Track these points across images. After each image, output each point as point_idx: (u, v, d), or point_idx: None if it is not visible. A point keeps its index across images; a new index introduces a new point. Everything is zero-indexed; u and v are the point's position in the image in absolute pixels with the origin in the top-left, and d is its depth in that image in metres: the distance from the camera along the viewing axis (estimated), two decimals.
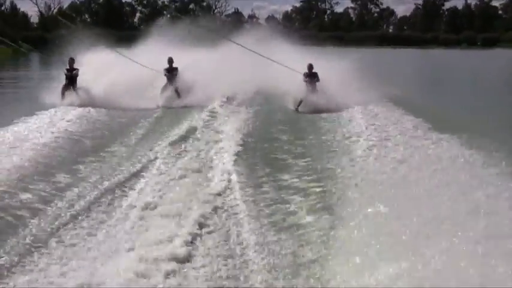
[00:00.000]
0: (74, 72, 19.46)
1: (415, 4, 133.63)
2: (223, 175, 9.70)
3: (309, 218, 7.67)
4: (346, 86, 18.77)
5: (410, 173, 9.16)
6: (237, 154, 11.17)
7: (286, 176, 9.87)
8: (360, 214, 7.07)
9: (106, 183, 9.27)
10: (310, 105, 17.78)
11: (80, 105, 17.73)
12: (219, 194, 8.70)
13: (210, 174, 9.88)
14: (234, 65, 20.96)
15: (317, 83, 18.49)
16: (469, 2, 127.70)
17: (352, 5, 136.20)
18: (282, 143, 12.90)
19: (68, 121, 14.79)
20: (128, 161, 10.92)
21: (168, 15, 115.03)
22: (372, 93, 19.21)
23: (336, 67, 20.28)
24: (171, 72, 20.02)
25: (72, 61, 19.72)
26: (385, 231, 6.22)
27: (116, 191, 8.97)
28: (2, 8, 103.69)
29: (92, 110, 17.03)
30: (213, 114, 16.23)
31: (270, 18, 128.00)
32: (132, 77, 19.48)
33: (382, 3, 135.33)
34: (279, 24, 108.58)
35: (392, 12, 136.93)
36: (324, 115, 16.75)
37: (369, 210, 7.07)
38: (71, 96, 18.68)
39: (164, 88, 19.77)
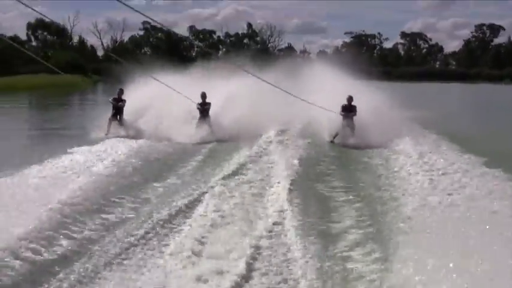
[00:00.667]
0: (120, 103, 19.17)
1: (464, 40, 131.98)
2: (277, 209, 9.52)
3: (359, 252, 7.61)
4: (386, 118, 18.42)
5: (459, 208, 8.99)
6: (290, 188, 10.89)
7: (338, 211, 9.78)
8: (412, 252, 6.84)
9: (160, 215, 9.15)
10: (345, 139, 17.47)
11: (126, 137, 17.51)
12: (271, 229, 8.51)
13: (263, 208, 9.75)
14: (270, 97, 20.91)
15: (354, 117, 17.93)
16: None
17: (402, 41, 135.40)
18: (330, 177, 12.72)
19: (117, 153, 14.22)
20: (182, 192, 10.82)
21: (224, 49, 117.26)
22: (413, 126, 18.99)
23: (377, 100, 20.01)
24: (204, 107, 19.25)
25: (121, 92, 19.48)
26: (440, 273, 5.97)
27: (172, 221, 8.92)
28: (70, 42, 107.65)
29: (139, 142, 16.62)
30: (264, 148, 15.98)
31: (321, 53, 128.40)
32: (175, 110, 19.15)
33: (431, 39, 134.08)
34: (329, 59, 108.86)
35: (440, 49, 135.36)
36: (363, 150, 16.41)
37: (422, 248, 6.78)
38: (116, 128, 18.54)
39: (198, 124, 19.00)
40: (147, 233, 8.26)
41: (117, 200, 10.04)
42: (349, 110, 18.08)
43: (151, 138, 17.51)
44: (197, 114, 19.30)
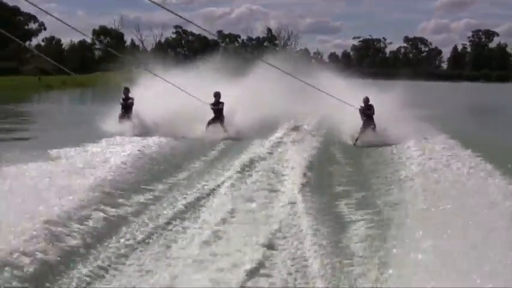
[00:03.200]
0: (129, 101, 17.61)
1: (462, 44, 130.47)
2: (289, 200, 8.98)
3: (365, 243, 7.09)
4: (398, 116, 17.22)
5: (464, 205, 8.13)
6: (302, 182, 10.25)
7: (347, 202, 9.21)
8: (410, 239, 6.45)
9: (174, 208, 8.48)
10: (367, 140, 15.95)
11: (135, 133, 15.89)
12: (284, 219, 7.99)
13: (276, 199, 9.19)
14: (284, 95, 19.65)
15: (374, 116, 16.42)
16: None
17: (405, 45, 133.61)
18: (342, 173, 11.83)
19: (125, 152, 12.55)
20: (192, 188, 9.95)
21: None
22: (422, 123, 18.09)
23: (386, 98, 18.86)
24: (217, 106, 17.26)
25: (127, 91, 17.81)
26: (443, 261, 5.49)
27: (185, 214, 8.30)
28: (125, 45, 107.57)
29: (149, 139, 14.82)
30: (277, 143, 14.92)
31: (332, 56, 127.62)
32: (183, 106, 17.04)
33: (431, 44, 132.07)
34: (339, 61, 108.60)
35: (440, 52, 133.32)
36: (380, 148, 15.05)
37: (424, 239, 6.24)
38: (126, 123, 16.71)
39: (211, 122, 17.02)
40: (154, 230, 7.47)
41: (128, 195, 9.03)
42: (367, 110, 16.61)
43: (162, 135, 15.56)
44: (207, 112, 17.26)
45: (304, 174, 10.83)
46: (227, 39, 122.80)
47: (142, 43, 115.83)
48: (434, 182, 10.05)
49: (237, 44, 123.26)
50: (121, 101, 17.96)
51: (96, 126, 17.24)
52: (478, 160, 12.16)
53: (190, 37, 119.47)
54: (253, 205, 8.74)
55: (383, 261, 6.29)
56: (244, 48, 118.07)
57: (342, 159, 13.82)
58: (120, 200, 8.65)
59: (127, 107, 17.64)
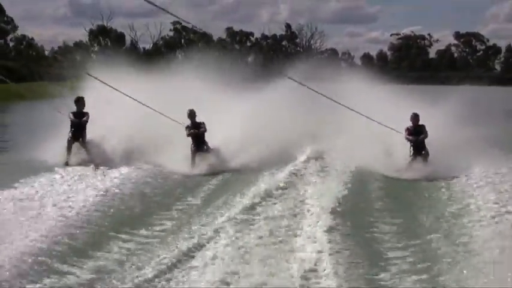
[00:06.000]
0: (84, 119, 15.69)
1: None
2: (310, 256, 8.27)
3: None
4: (457, 138, 15.94)
5: None
6: (327, 228, 9.58)
7: (388, 256, 8.61)
8: None
9: (155, 266, 7.88)
10: (415, 172, 14.75)
11: (92, 164, 14.64)
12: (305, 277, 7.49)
13: (292, 253, 8.48)
14: (301, 112, 19.23)
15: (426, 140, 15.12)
16: None
17: (456, 42, 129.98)
18: (381, 217, 11.00)
19: (86, 188, 12.10)
20: (183, 235, 9.44)
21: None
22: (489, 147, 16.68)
23: (439, 113, 17.48)
24: (197, 129, 15.68)
25: (81, 102, 15.86)
26: None
27: (170, 272, 7.70)
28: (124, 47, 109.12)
29: (114, 171, 13.97)
30: (294, 176, 14.09)
31: (365, 57, 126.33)
32: (158, 126, 16.02)
33: (488, 40, 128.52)
34: (373, 64, 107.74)
35: (498, 50, 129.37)
36: (432, 183, 13.97)
37: None
38: (79, 152, 15.37)
39: (193, 155, 15.47)
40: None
41: (100, 248, 8.76)
42: (416, 132, 15.34)
43: (128, 165, 14.74)
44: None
45: (331, 219, 10.12)
46: (237, 38, 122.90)
47: (137, 43, 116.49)
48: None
49: (249, 44, 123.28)
50: (71, 116, 15.88)
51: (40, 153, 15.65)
52: None
53: (191, 35, 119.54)
54: (259, 260, 8.12)
55: None
56: (258, 49, 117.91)
57: (383, 198, 12.91)
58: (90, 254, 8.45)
59: (79, 126, 15.72)
